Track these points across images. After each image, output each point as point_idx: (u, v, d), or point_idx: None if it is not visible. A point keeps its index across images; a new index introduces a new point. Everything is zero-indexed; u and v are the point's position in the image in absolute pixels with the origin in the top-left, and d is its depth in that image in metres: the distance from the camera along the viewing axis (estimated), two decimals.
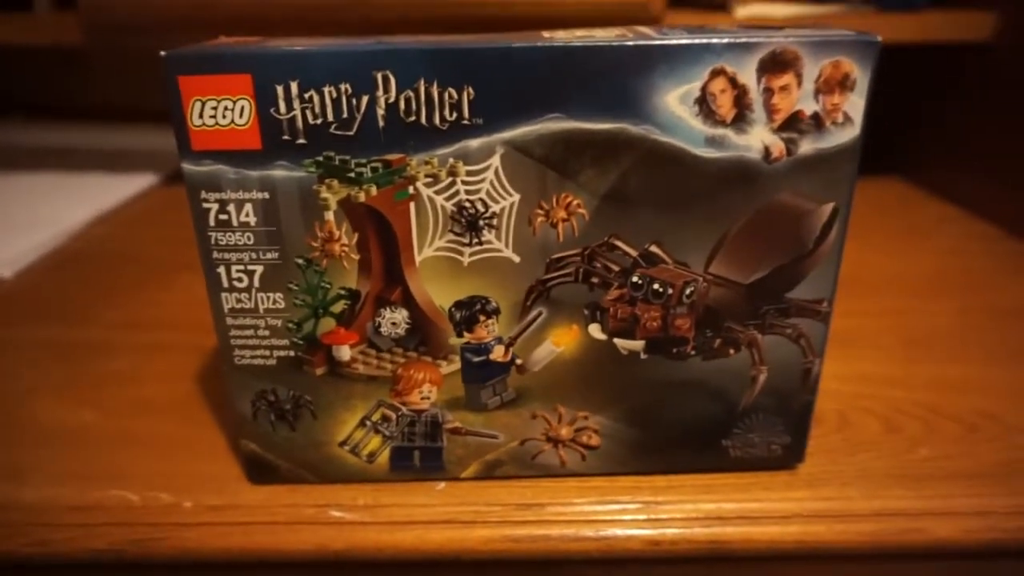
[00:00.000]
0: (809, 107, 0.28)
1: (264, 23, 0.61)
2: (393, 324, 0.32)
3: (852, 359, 0.44)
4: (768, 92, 0.27)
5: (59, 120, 0.94)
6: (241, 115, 0.28)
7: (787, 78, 0.27)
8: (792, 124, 0.28)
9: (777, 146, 0.28)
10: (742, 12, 0.65)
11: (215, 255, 0.30)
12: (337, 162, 0.29)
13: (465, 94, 0.28)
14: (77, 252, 0.62)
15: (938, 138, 0.74)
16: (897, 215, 0.70)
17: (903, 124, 0.78)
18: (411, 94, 0.28)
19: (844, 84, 0.27)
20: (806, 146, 0.28)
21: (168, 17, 0.62)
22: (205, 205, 0.29)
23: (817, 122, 0.28)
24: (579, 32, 0.30)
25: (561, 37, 0.28)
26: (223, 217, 0.30)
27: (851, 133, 0.28)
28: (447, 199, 0.29)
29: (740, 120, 0.28)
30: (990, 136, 0.66)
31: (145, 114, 0.89)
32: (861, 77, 0.27)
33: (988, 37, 0.66)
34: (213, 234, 0.30)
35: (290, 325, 0.31)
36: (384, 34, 0.31)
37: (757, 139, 0.28)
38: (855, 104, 0.28)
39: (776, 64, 0.27)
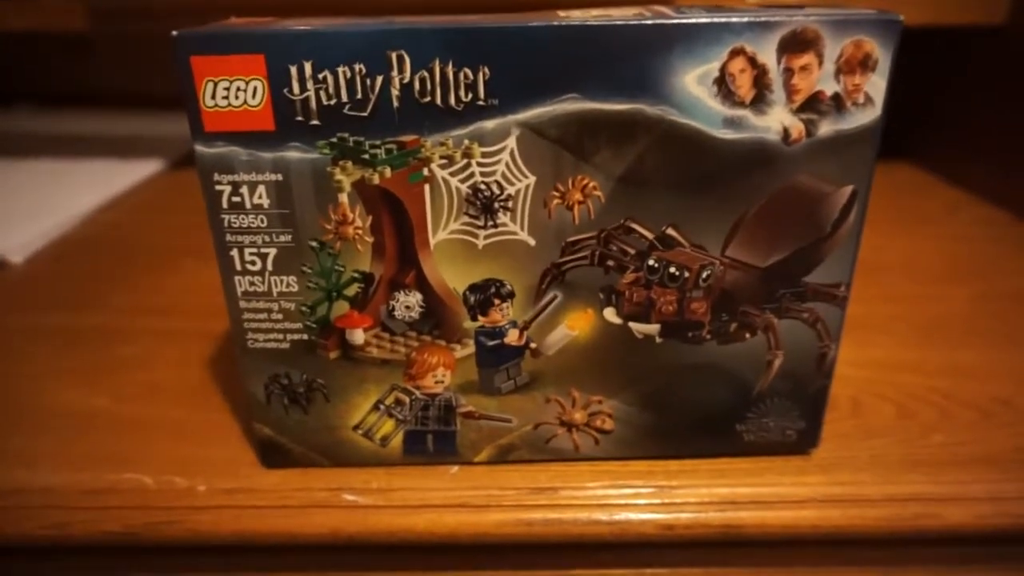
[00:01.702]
0: (830, 88, 0.27)
1: (272, 9, 0.60)
2: (407, 308, 0.31)
3: (864, 344, 0.44)
4: (788, 72, 0.27)
5: (65, 107, 0.93)
6: (254, 96, 0.28)
7: (808, 58, 0.27)
8: (812, 105, 0.28)
9: (796, 127, 0.28)
10: None
11: (228, 238, 0.30)
12: (351, 143, 0.28)
13: (480, 74, 0.27)
14: (85, 238, 0.62)
15: (949, 123, 0.74)
16: (907, 200, 0.69)
17: (913, 109, 0.77)
18: (426, 74, 0.27)
19: (865, 64, 0.27)
20: (826, 127, 0.28)
21: (174, 2, 0.62)
22: (218, 187, 0.29)
23: (837, 103, 0.28)
24: (595, 11, 0.29)
25: (577, 16, 0.28)
26: (236, 199, 0.29)
27: (872, 114, 0.28)
28: (462, 181, 0.29)
29: (759, 101, 0.28)
30: (1001, 121, 0.65)
31: (150, 100, 0.89)
32: (883, 57, 0.27)
33: (1001, 21, 0.65)
34: (226, 217, 0.30)
35: (303, 308, 0.31)
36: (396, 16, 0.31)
37: (776, 120, 0.28)
38: (876, 85, 0.27)
39: (797, 43, 0.27)
